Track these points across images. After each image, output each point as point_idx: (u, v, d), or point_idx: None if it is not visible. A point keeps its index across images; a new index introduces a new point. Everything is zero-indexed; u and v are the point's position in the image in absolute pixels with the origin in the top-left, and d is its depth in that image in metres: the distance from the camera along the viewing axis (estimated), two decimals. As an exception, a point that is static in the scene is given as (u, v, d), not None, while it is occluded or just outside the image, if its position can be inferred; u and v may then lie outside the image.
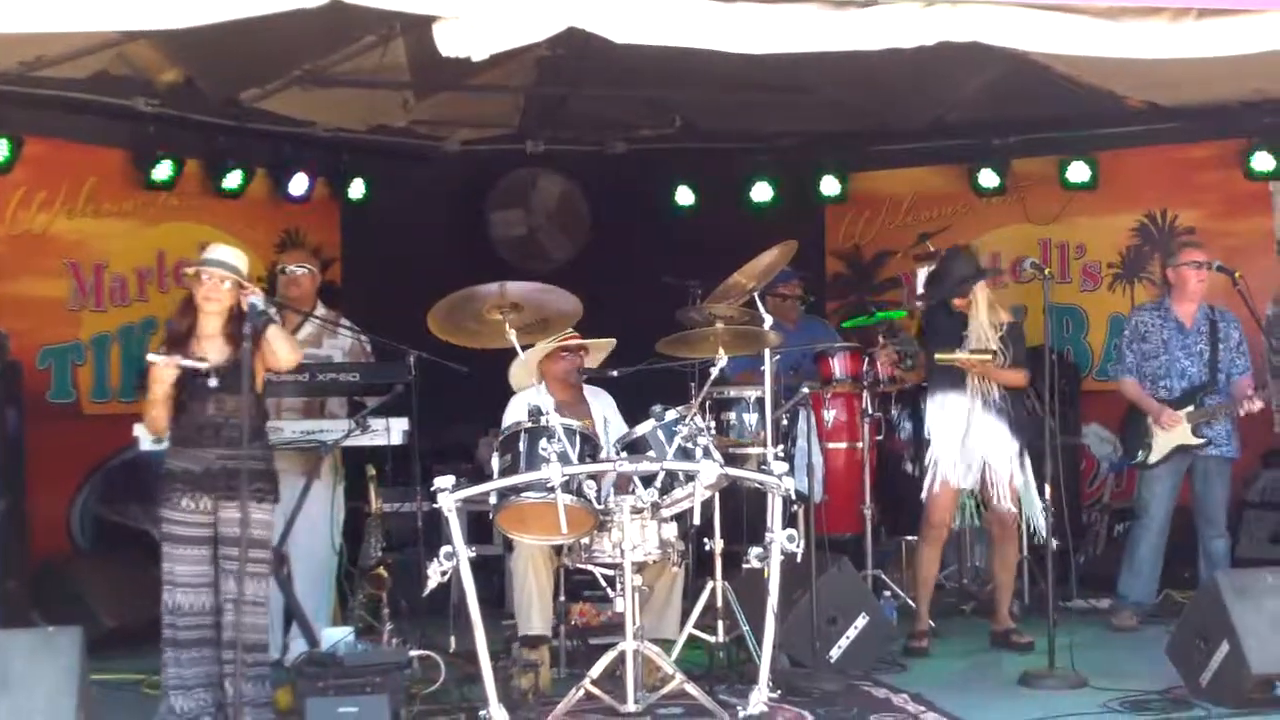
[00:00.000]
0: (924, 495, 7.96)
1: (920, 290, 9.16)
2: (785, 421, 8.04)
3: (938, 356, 7.77)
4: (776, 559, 6.17)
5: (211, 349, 6.37)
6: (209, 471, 6.31)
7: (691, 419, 6.34)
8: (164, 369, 6.26)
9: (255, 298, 6.25)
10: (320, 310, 8.14)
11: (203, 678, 6.37)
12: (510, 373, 7.37)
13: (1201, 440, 8.34)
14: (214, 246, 6.59)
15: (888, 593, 8.55)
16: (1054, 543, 7.56)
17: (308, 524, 7.53)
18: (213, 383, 6.31)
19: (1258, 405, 8.29)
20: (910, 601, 8.28)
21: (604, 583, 6.52)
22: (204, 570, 6.37)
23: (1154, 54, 5.95)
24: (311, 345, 7.94)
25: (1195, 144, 10.26)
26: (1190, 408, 8.35)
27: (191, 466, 6.34)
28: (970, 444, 7.81)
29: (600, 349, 7.74)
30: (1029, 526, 8.11)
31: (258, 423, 6.47)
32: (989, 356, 7.70)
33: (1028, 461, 7.84)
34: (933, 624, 8.11)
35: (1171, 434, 8.37)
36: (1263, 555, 8.84)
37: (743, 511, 7.47)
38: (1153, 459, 8.43)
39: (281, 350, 6.38)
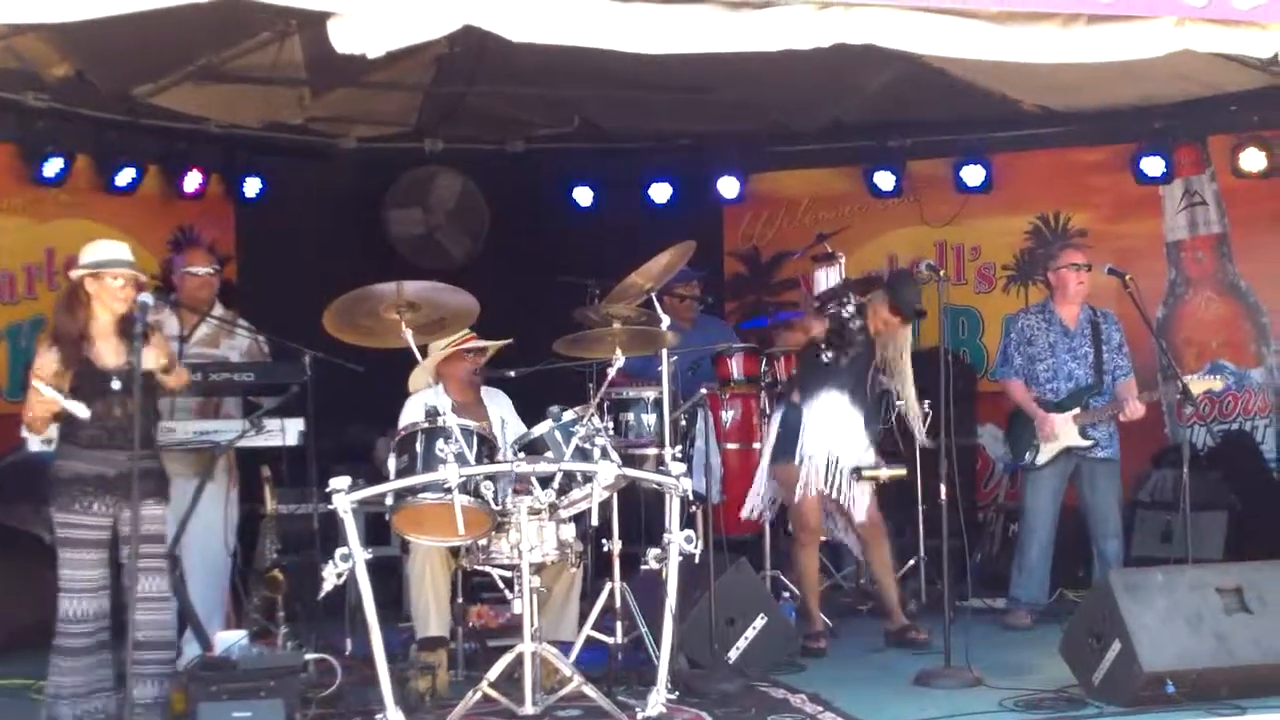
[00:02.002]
0: (795, 500, 7.96)
1: (820, 289, 9.22)
2: (683, 422, 8.05)
3: (865, 474, 7.83)
4: (675, 560, 6.17)
5: (107, 350, 6.29)
6: (122, 474, 6.21)
7: (589, 419, 6.33)
8: (42, 404, 6.18)
9: (146, 295, 6.19)
10: (218, 310, 8.04)
11: (105, 682, 6.29)
12: (412, 377, 7.34)
13: (1089, 442, 8.45)
14: (100, 244, 6.43)
15: (786, 593, 8.57)
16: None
17: (201, 526, 7.42)
18: (115, 385, 6.23)
19: (1140, 412, 8.38)
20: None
21: (502, 584, 6.49)
22: (101, 574, 6.31)
23: (1045, 58, 6.03)
24: (208, 346, 7.86)
25: (1087, 148, 10.43)
26: (1076, 410, 8.46)
27: (105, 470, 6.26)
28: (838, 448, 7.85)
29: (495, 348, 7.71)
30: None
31: (150, 423, 6.40)
32: (902, 473, 7.84)
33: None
34: (828, 622, 8.15)
35: (1060, 437, 8.47)
36: (1154, 554, 8.95)
37: (641, 512, 7.48)
38: (1040, 460, 8.54)
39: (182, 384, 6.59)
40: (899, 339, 7.96)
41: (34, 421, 6.31)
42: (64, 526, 6.29)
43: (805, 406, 7.91)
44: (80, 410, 6.16)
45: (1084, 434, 8.45)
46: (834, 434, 7.85)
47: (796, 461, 7.86)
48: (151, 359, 6.25)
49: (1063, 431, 8.46)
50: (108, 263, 6.28)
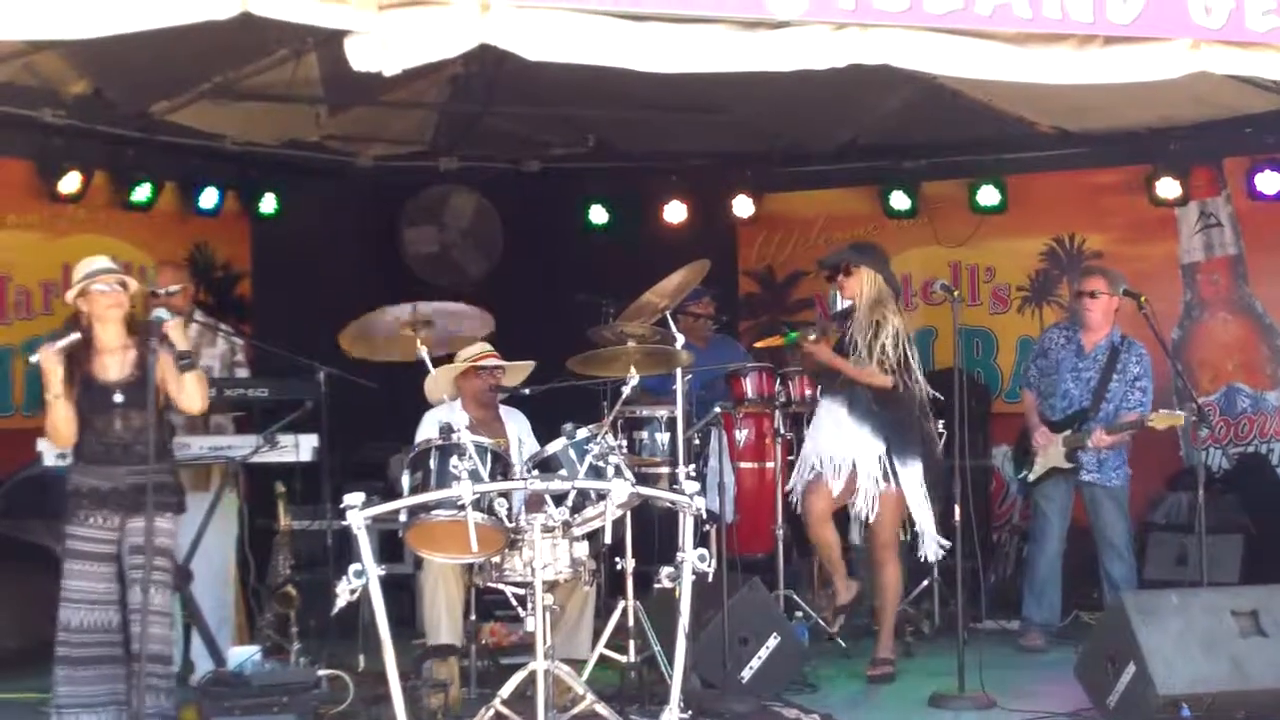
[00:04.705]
0: (796, 507, 7.88)
1: (834, 309, 9.22)
2: (697, 441, 8.05)
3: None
4: (688, 579, 6.14)
5: (112, 364, 6.33)
6: (118, 490, 6.25)
7: (603, 437, 6.33)
8: (47, 360, 6.18)
9: (161, 311, 6.24)
10: (199, 316, 8.10)
11: (105, 695, 6.28)
12: (425, 386, 7.35)
13: (1071, 465, 8.45)
14: (79, 265, 6.44)
15: (799, 613, 8.55)
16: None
17: (208, 540, 7.44)
18: (118, 399, 6.25)
19: (1105, 442, 8.32)
20: (821, 623, 8.28)
21: (515, 602, 6.48)
22: (108, 587, 6.31)
23: (1061, 79, 6.03)
24: None
25: (1103, 169, 10.42)
26: (1068, 432, 8.45)
27: (100, 484, 6.28)
28: (836, 450, 7.69)
29: (515, 370, 7.72)
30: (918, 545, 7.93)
31: (164, 438, 6.41)
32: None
33: (912, 474, 7.67)
34: (853, 581, 8.02)
35: (1048, 455, 8.49)
36: (1168, 577, 8.92)
37: (654, 531, 7.48)
38: (1032, 477, 8.61)
39: (197, 395, 6.44)
40: (855, 291, 7.78)
41: (51, 410, 6.29)
42: (69, 538, 6.34)
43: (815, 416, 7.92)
44: (74, 335, 6.22)
45: (1070, 457, 8.44)
46: (824, 434, 7.77)
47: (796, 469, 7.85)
48: (199, 397, 6.40)
49: (1052, 449, 8.45)
50: (86, 277, 6.33)
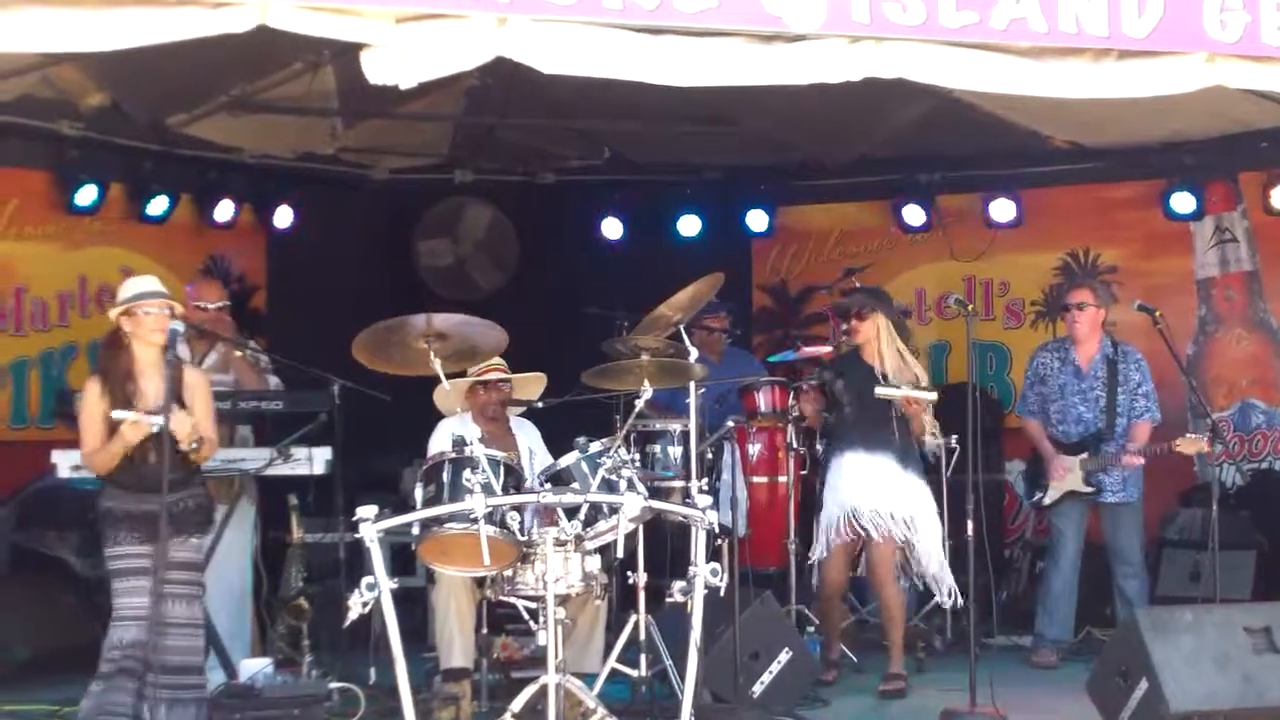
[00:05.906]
0: (815, 560, 7.86)
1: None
2: (710, 455, 8.04)
3: (879, 392, 7.50)
4: (700, 593, 6.14)
5: (150, 390, 6.31)
6: (154, 513, 6.21)
7: (616, 451, 6.32)
8: (132, 429, 6.15)
9: (176, 324, 6.25)
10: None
11: (126, 708, 6.28)
12: (435, 397, 7.35)
13: (1090, 489, 8.44)
14: (130, 282, 6.47)
15: (810, 628, 8.53)
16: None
17: (221, 552, 7.44)
18: (156, 427, 6.23)
19: (1136, 463, 8.34)
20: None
21: (527, 615, 6.47)
22: (147, 602, 6.29)
23: (1076, 93, 6.04)
24: (219, 372, 7.87)
25: (1117, 184, 10.41)
26: (1084, 455, 8.44)
27: (134, 508, 6.28)
28: (889, 505, 7.67)
29: (529, 383, 7.71)
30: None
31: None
32: (934, 396, 7.56)
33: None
34: (848, 653, 8.06)
35: (1065, 480, 8.47)
36: (1182, 593, 8.90)
37: (666, 545, 7.46)
38: (1047, 501, 8.60)
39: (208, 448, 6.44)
40: (869, 335, 7.80)
41: (110, 458, 6.27)
42: (115, 559, 6.33)
43: (829, 465, 7.91)
44: (157, 419, 6.15)
45: (1088, 480, 8.43)
46: (854, 488, 7.74)
47: (818, 520, 7.82)
48: (186, 425, 6.22)
49: (1069, 475, 8.45)
50: (137, 297, 6.33)
